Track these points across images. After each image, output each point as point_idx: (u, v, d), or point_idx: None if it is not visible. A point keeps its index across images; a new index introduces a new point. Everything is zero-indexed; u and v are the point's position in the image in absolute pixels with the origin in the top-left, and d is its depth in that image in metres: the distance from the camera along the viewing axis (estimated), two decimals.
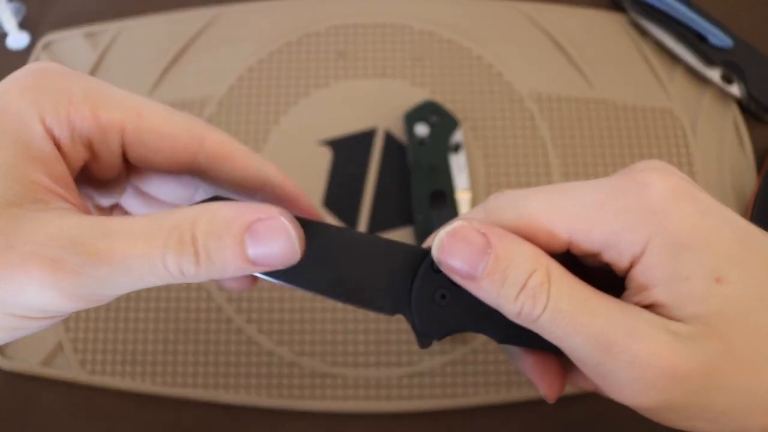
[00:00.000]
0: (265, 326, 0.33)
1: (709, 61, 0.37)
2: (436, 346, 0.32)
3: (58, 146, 0.17)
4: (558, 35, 0.38)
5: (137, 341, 0.33)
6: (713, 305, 0.16)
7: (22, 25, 0.40)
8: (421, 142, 0.35)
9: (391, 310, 0.19)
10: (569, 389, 0.32)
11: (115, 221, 0.16)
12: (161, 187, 0.22)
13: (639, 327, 0.16)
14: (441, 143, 0.35)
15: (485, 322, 0.19)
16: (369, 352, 0.32)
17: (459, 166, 0.35)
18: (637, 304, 0.17)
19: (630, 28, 0.39)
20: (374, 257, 0.19)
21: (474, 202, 0.35)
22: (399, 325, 0.33)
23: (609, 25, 0.39)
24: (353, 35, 0.39)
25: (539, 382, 0.20)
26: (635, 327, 0.16)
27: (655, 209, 0.16)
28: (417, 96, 0.37)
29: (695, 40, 0.37)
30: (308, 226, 0.19)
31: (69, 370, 0.32)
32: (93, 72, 0.38)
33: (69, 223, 0.16)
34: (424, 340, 0.19)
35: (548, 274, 0.17)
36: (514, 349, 0.21)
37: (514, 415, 0.32)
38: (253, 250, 0.16)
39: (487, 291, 0.17)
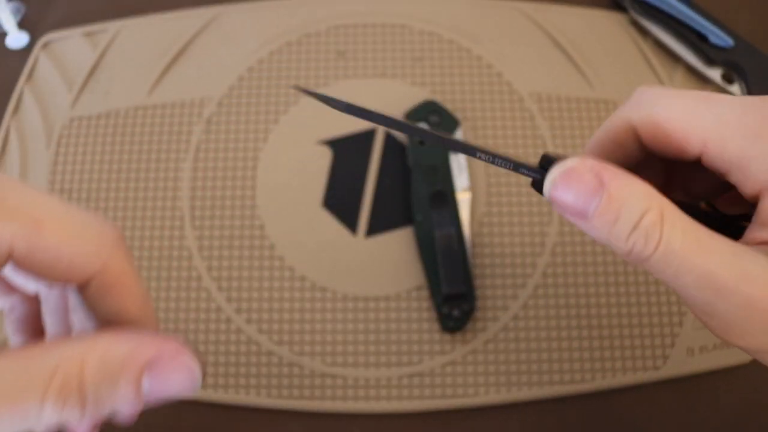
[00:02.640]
0: (265, 326, 0.33)
1: (710, 61, 0.37)
2: (436, 346, 0.32)
3: None
4: (558, 35, 0.38)
5: None
6: None
7: (22, 24, 0.40)
8: (421, 141, 0.35)
9: None
10: (570, 390, 0.32)
11: None
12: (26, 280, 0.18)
13: (752, 270, 0.16)
14: None
15: None
16: (369, 352, 0.32)
17: (459, 166, 0.35)
18: (759, 240, 0.17)
19: (630, 28, 0.39)
20: None
21: (474, 202, 0.35)
22: (399, 325, 0.33)
23: (609, 24, 0.39)
24: (353, 35, 0.39)
25: None
26: (748, 270, 0.16)
27: None
28: (417, 96, 0.37)
29: (696, 40, 0.37)
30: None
31: None
32: (92, 71, 0.38)
33: None
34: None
35: (662, 213, 0.16)
36: None
37: (514, 415, 0.32)
38: (151, 388, 0.15)
39: (598, 229, 0.16)
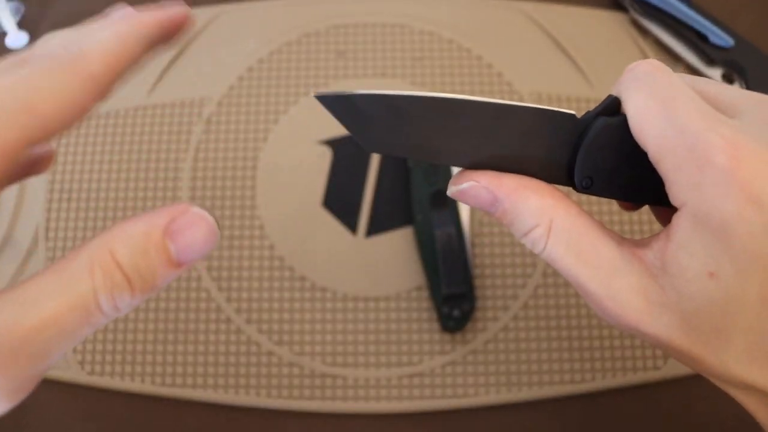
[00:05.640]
0: (265, 326, 0.33)
1: (710, 61, 0.37)
2: (436, 346, 0.32)
3: None
4: (558, 35, 0.38)
5: (136, 342, 0.33)
6: (693, 292, 0.17)
7: (21, 24, 0.40)
8: None
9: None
10: (570, 390, 0.32)
11: (24, 289, 0.15)
12: None
13: (617, 291, 0.18)
14: None
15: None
16: (369, 352, 0.32)
17: None
18: (656, 247, 0.18)
19: (631, 28, 0.39)
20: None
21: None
22: (399, 325, 0.33)
23: (609, 24, 0.39)
24: (353, 35, 0.39)
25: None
26: (613, 291, 0.18)
27: (726, 179, 0.16)
28: None
29: (696, 40, 0.37)
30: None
31: (68, 370, 0.32)
32: None
33: None
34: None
35: (549, 228, 0.18)
36: None
37: (514, 415, 0.32)
38: (177, 251, 0.16)
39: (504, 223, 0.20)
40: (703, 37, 0.37)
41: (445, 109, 0.18)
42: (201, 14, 0.39)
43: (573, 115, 0.19)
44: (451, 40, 0.38)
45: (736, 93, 0.18)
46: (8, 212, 0.35)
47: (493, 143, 0.18)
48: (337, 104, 0.17)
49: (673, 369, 0.32)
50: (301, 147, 0.36)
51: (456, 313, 0.32)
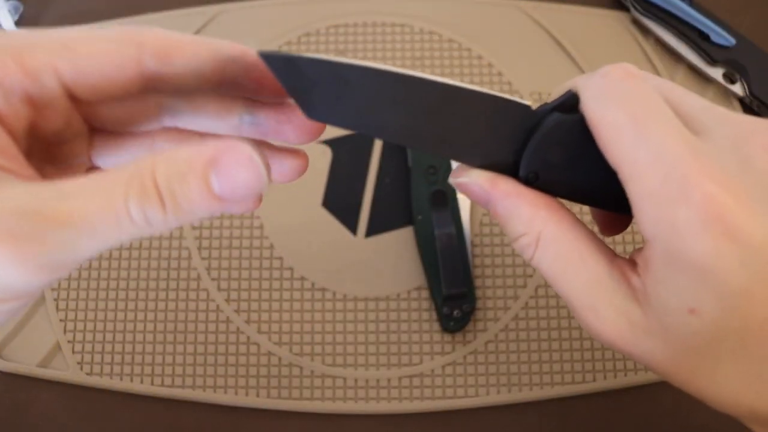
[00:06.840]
0: (265, 327, 0.33)
1: (712, 60, 0.37)
2: (436, 346, 0.32)
3: None
4: (559, 34, 0.38)
5: (135, 342, 0.33)
6: (675, 325, 0.17)
7: (19, 23, 0.40)
8: None
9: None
10: (570, 390, 0.32)
11: (68, 182, 0.15)
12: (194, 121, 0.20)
13: (601, 308, 0.18)
14: None
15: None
16: (369, 353, 0.32)
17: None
18: (635, 270, 0.18)
19: (632, 27, 0.39)
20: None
21: (474, 203, 0.35)
22: (399, 326, 0.33)
23: (610, 23, 0.39)
24: (353, 35, 0.38)
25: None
26: (597, 307, 0.18)
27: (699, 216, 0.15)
28: None
29: (698, 39, 0.37)
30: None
31: (67, 371, 0.32)
32: None
33: (17, 192, 0.15)
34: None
35: (537, 239, 0.19)
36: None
37: (514, 415, 0.32)
38: (219, 185, 0.16)
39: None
40: (704, 36, 0.37)
41: (391, 84, 0.17)
42: (200, 13, 0.39)
43: (527, 107, 0.18)
44: (452, 40, 0.38)
45: (697, 104, 0.18)
46: None
47: (439, 125, 0.18)
48: (281, 66, 0.17)
49: None
50: (300, 147, 0.36)
51: (456, 313, 0.32)
